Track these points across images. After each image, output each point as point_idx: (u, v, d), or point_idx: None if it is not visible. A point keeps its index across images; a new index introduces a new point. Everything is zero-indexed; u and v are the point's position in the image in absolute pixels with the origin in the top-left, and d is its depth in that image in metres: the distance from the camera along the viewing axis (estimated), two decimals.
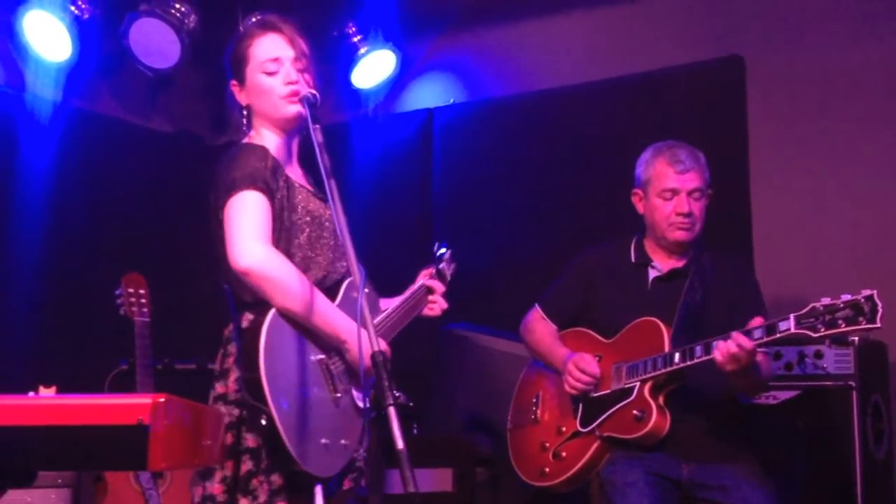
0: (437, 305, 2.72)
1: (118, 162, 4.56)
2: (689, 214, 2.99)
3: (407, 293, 2.68)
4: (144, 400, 1.61)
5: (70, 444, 1.61)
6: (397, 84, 4.83)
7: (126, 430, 1.59)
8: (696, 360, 2.76)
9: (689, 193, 3.00)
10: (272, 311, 2.23)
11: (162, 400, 1.62)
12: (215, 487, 2.22)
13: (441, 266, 2.86)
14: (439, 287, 2.75)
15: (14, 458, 1.62)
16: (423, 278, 2.75)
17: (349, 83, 4.72)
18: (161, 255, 4.45)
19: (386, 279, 2.63)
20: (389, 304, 2.62)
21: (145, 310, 3.57)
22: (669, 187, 3.00)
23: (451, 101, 4.72)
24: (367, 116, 4.86)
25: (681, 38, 4.23)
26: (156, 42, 4.36)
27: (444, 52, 4.82)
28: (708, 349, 2.72)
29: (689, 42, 4.20)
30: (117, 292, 3.58)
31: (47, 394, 1.68)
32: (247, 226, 2.23)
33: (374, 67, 4.70)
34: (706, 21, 4.23)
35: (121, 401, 1.62)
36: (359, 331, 1.96)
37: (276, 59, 2.42)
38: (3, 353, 4.05)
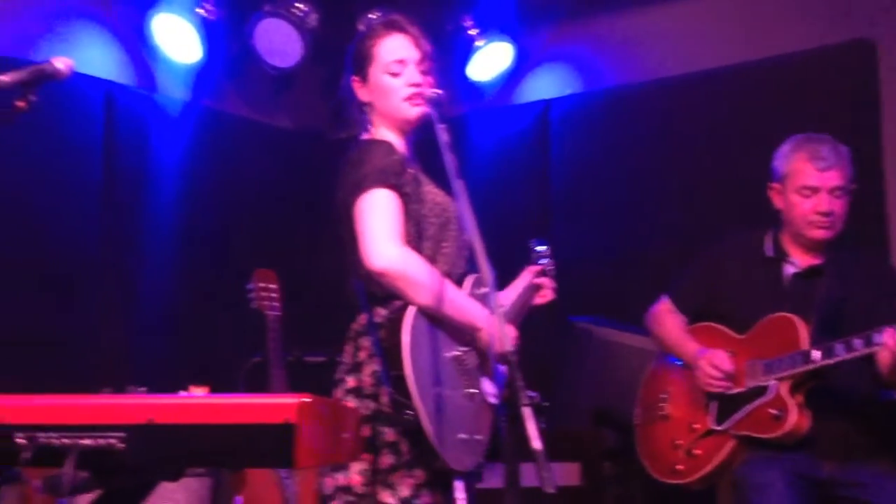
0: (544, 297, 2.72)
1: (245, 159, 4.70)
2: (829, 213, 2.89)
3: (519, 290, 2.69)
4: (291, 400, 1.67)
5: (219, 442, 1.68)
6: (513, 76, 4.83)
7: (274, 428, 1.65)
8: (842, 358, 2.68)
9: (830, 191, 2.89)
10: (411, 309, 2.26)
11: (308, 400, 1.68)
12: (353, 479, 2.27)
13: (543, 262, 2.86)
14: (547, 283, 2.76)
15: (166, 455, 1.70)
16: (529, 275, 2.75)
17: (465, 76, 4.75)
18: (288, 250, 4.56)
19: (502, 271, 2.65)
20: (504, 299, 2.64)
21: (276, 304, 3.67)
22: (809, 185, 2.90)
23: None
24: (483, 109, 4.87)
25: (805, 22, 4.10)
26: (279, 41, 4.49)
27: (561, 42, 4.79)
28: (869, 341, 2.64)
29: (815, 26, 4.07)
30: (249, 287, 3.69)
31: (198, 393, 1.75)
32: (379, 226, 2.26)
33: (490, 60, 4.71)
34: (834, 3, 4.08)
35: (268, 400, 1.68)
36: (491, 322, 1.98)
37: (401, 61, 2.46)
38: (139, 349, 4.22)
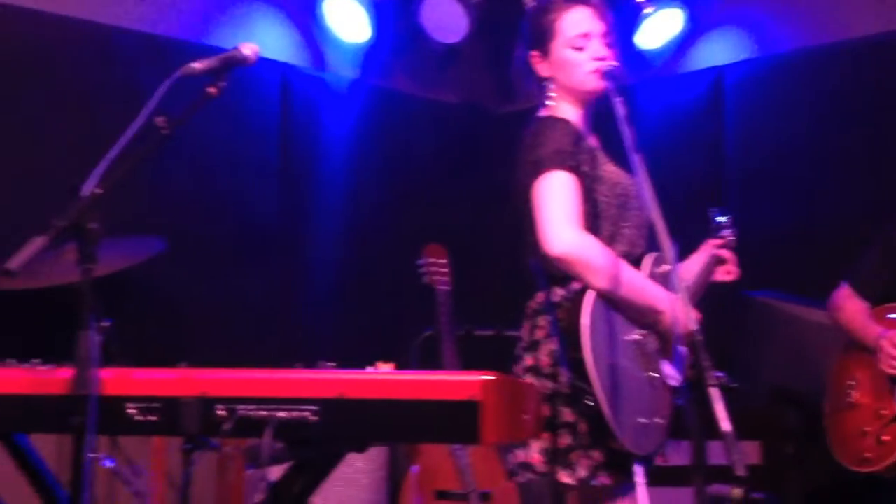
0: (731, 272, 2.65)
1: (413, 135, 4.77)
2: None
3: (699, 265, 2.62)
4: (476, 377, 1.69)
5: (406, 417, 1.73)
6: (684, 43, 4.69)
7: (459, 405, 1.68)
8: None
9: None
10: (590, 292, 2.24)
11: (492, 378, 1.70)
12: (534, 457, 2.29)
13: (725, 234, 2.77)
14: (730, 256, 2.67)
15: (355, 428, 1.75)
16: (710, 249, 2.67)
17: (632, 45, 4.65)
18: (456, 224, 4.61)
19: (677, 246, 2.59)
20: (684, 275, 2.57)
21: (446, 279, 3.72)
22: None
23: None
24: (651, 78, 4.76)
25: None
26: (445, 17, 4.52)
27: (734, 5, 4.61)
28: None
29: None
30: (419, 262, 3.75)
31: (385, 369, 1.79)
32: (557, 210, 2.25)
33: (660, 27, 4.60)
34: None
35: (454, 377, 1.71)
36: (674, 303, 1.94)
37: (585, 35, 2.42)
38: (312, 323, 4.38)
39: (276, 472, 1.99)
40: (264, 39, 4.38)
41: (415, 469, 3.54)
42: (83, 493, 1.80)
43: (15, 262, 1.71)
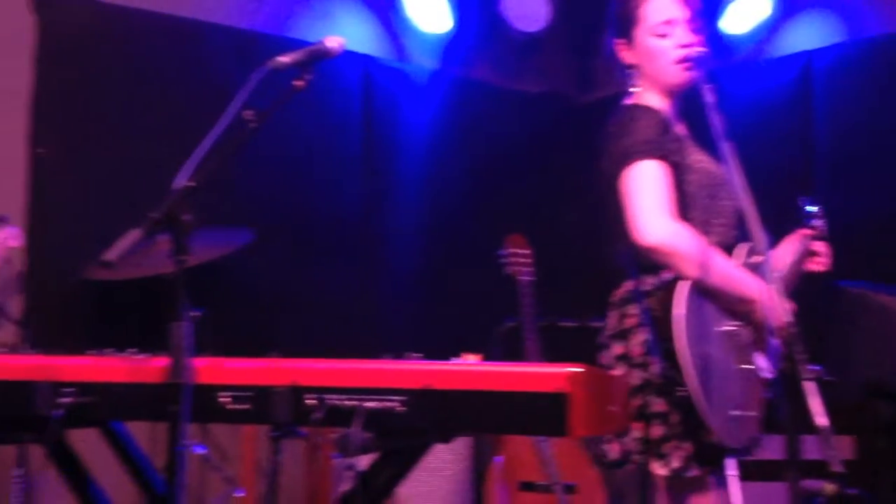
0: (822, 263, 2.59)
1: (493, 125, 4.76)
2: None
3: (790, 256, 2.56)
4: (565, 369, 1.68)
5: (493, 409, 1.73)
6: (771, 27, 4.58)
7: (547, 397, 1.68)
8: None
9: None
10: (683, 281, 2.21)
11: (581, 370, 1.69)
12: (629, 446, 2.27)
13: (815, 223, 2.70)
14: (821, 247, 2.61)
15: (442, 419, 1.76)
16: (801, 239, 2.60)
17: (716, 30, 4.56)
18: (538, 214, 4.59)
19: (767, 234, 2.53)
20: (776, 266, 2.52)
21: (528, 269, 3.71)
22: None
23: None
24: (738, 64, 4.66)
25: None
26: (526, 6, 4.51)
27: None
28: None
29: None
30: (501, 253, 3.74)
31: (472, 360, 1.80)
32: (648, 199, 2.22)
33: (746, 11, 4.50)
34: None
35: (542, 369, 1.71)
36: (767, 294, 1.90)
37: (669, 22, 2.39)
38: (395, 314, 4.40)
39: (364, 461, 2.01)
40: (346, 32, 4.42)
41: (498, 460, 3.54)
42: (178, 480, 1.85)
43: (112, 254, 1.75)
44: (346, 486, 3.19)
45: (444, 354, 1.88)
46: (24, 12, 3.75)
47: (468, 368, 1.75)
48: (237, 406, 1.84)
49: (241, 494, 3.91)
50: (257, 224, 3.66)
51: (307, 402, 1.79)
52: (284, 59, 2.00)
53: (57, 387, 1.91)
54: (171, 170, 1.93)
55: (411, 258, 4.54)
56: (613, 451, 2.31)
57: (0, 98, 3.74)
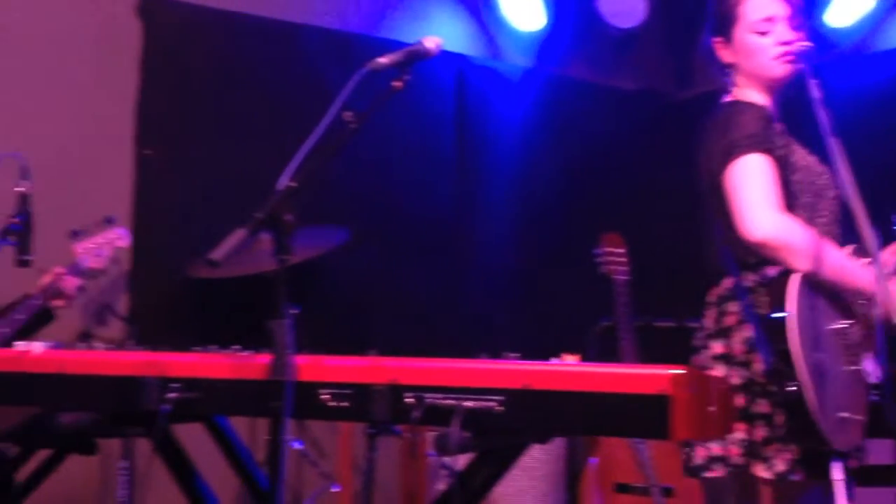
0: None
1: (588, 122, 4.72)
2: None
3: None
4: (666, 371, 1.66)
5: (593, 410, 1.71)
6: (877, 20, 4.43)
7: (649, 399, 1.65)
8: None
9: None
10: (795, 277, 2.15)
11: (682, 372, 1.66)
12: (731, 449, 2.22)
13: None
14: None
15: (540, 419, 1.75)
16: None
17: (818, 23, 4.44)
18: (635, 213, 4.54)
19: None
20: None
21: (624, 268, 3.66)
22: None
23: None
24: (842, 58, 4.52)
25: None
26: (623, 2, 4.46)
27: None
28: None
29: None
30: (596, 251, 3.71)
31: (570, 361, 1.78)
32: (755, 194, 2.17)
33: (851, 3, 4.37)
34: None
35: (643, 371, 1.68)
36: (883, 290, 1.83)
37: (769, 19, 2.34)
38: (488, 313, 4.40)
39: (460, 461, 2.01)
40: (440, 31, 4.43)
41: (594, 461, 3.51)
42: (279, 474, 1.89)
43: (218, 253, 1.79)
44: (441, 484, 3.21)
45: (538, 354, 1.87)
46: (131, 17, 3.88)
47: (568, 369, 1.74)
48: (337, 403, 1.86)
49: (338, 490, 3.97)
50: (352, 223, 3.71)
51: (406, 400, 1.80)
52: (383, 60, 2.02)
53: (164, 382, 1.96)
54: (270, 170, 1.97)
55: (504, 257, 4.54)
56: (699, 455, 2.27)
57: (107, 101, 3.88)
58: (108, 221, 3.49)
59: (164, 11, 3.89)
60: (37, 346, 2.11)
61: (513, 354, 1.86)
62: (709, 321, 2.35)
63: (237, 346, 2.09)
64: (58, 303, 3.19)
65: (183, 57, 3.93)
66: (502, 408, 1.74)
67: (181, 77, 3.93)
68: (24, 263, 2.35)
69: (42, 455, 2.70)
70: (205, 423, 2.40)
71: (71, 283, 3.20)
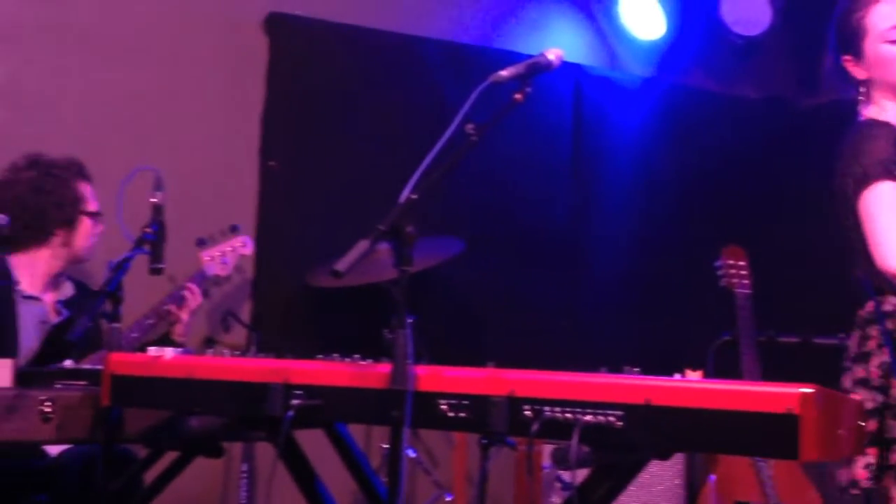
0: None
1: (708, 131, 4.63)
2: None
3: None
4: (795, 390, 1.61)
5: (716, 428, 1.67)
6: None
7: (776, 418, 1.61)
8: None
9: None
10: None
11: (811, 391, 1.61)
12: (857, 472, 2.16)
13: None
14: None
15: (661, 436, 1.72)
16: None
17: None
18: (757, 225, 4.42)
19: None
20: None
21: (746, 282, 3.58)
22: None
23: None
24: None
25: None
26: (747, 9, 4.37)
27: None
28: None
29: None
30: (717, 264, 3.63)
31: (693, 377, 1.75)
32: (889, 224, 2.10)
33: None
34: None
35: (770, 389, 1.64)
36: None
37: None
38: (600, 326, 4.36)
39: (574, 474, 2.00)
40: (558, 40, 4.43)
41: (713, 478, 3.43)
42: (399, 482, 1.91)
43: (342, 264, 1.83)
44: (556, 497, 3.19)
45: (656, 368, 1.84)
46: (258, 32, 4.00)
47: (691, 385, 1.71)
48: (456, 414, 1.87)
49: (450, 499, 3.99)
50: (468, 234, 3.73)
51: (524, 413, 1.80)
52: (504, 73, 2.03)
53: (288, 389, 2.01)
54: (389, 181, 2.00)
55: (621, 269, 4.48)
56: (843, 476, 2.20)
57: (235, 114, 4.01)
58: (233, 230, 3.61)
59: (290, 26, 4.00)
60: (168, 352, 2.19)
61: (634, 369, 1.84)
62: (853, 344, 2.29)
63: (357, 355, 2.13)
64: (180, 313, 3.32)
65: (307, 71, 4.03)
66: (622, 423, 1.72)
67: (305, 90, 4.03)
68: (156, 272, 2.45)
69: (169, 457, 2.79)
70: (325, 429, 2.45)
71: (194, 295, 3.33)
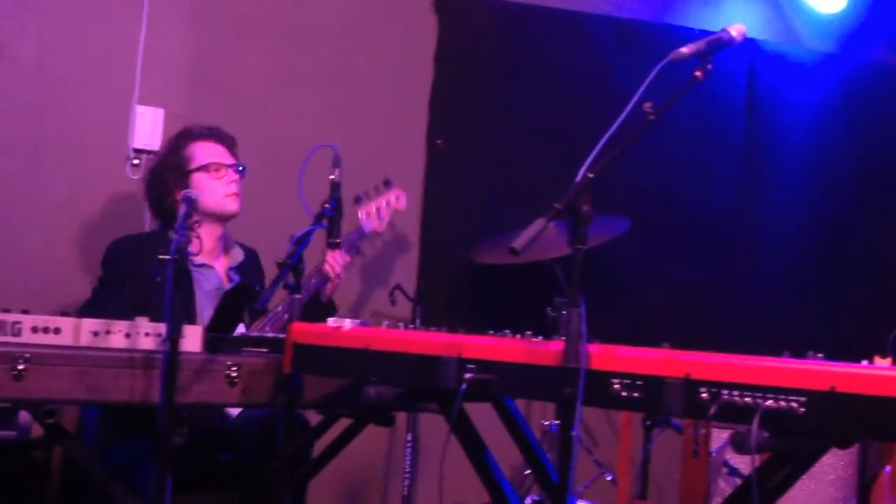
0: None
1: (892, 110, 4.41)
2: None
3: None
4: None
5: None
6: None
7: None
8: None
9: None
10: None
11: None
12: None
13: None
14: None
15: (844, 423, 1.67)
16: None
17: None
18: None
19: None
20: None
21: None
22: None
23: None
24: None
25: None
26: None
27: None
28: None
29: None
30: None
31: (882, 364, 1.69)
32: None
33: None
34: None
35: None
36: None
37: None
38: (766, 310, 4.22)
39: (741, 461, 1.96)
40: (731, 15, 4.30)
41: (888, 470, 3.29)
42: (569, 458, 1.92)
43: (519, 242, 1.85)
44: (723, 483, 3.13)
45: (833, 355, 1.79)
46: (428, 12, 4.07)
47: (881, 373, 1.65)
48: (629, 394, 1.87)
49: (611, 478, 3.98)
50: (633, 213, 3.69)
51: (701, 395, 1.78)
52: (685, 49, 2.00)
53: (461, 363, 2.05)
54: (554, 160, 2.01)
55: (791, 252, 4.33)
56: None
57: (405, 93, 4.09)
58: (386, 184, 3.65)
59: (459, 6, 4.05)
60: (347, 323, 2.27)
61: (818, 355, 1.79)
62: None
63: (529, 332, 2.15)
64: (329, 287, 3.39)
65: (475, 50, 4.07)
66: (805, 409, 1.68)
67: (473, 69, 4.07)
68: (334, 246, 2.53)
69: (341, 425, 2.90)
70: (493, 403, 2.48)
71: (337, 262, 3.36)
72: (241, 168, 3.26)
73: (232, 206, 3.25)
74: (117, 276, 3.05)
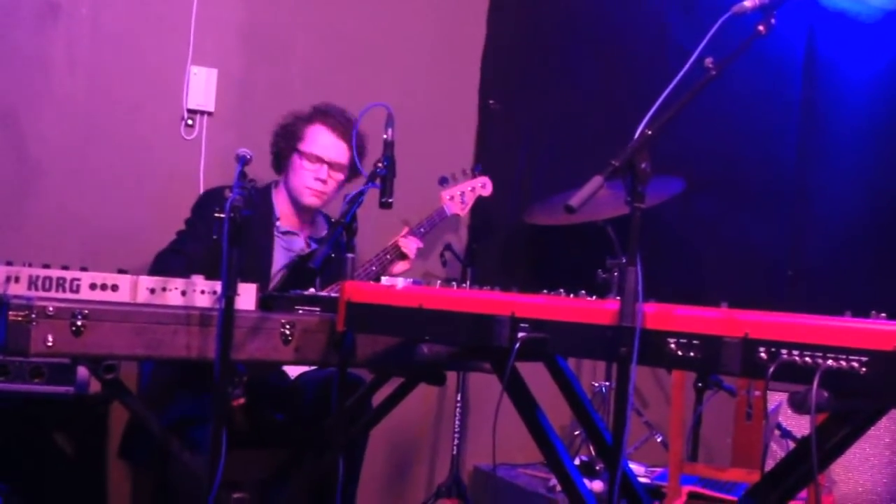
0: None
1: None
2: None
3: None
4: None
5: None
6: None
7: None
8: None
9: None
10: None
11: None
12: None
13: None
14: None
15: None
16: None
17: None
18: None
19: None
20: None
21: None
22: None
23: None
24: None
25: None
26: None
27: None
28: None
29: None
30: None
31: None
32: None
33: None
34: None
35: None
36: None
37: None
38: (822, 272, 4.15)
39: (784, 421, 1.94)
40: None
41: None
42: (624, 418, 1.92)
43: (576, 199, 1.83)
44: (776, 445, 3.10)
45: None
46: None
47: None
48: (686, 353, 1.85)
49: (660, 439, 3.97)
50: (688, 173, 3.64)
51: (759, 355, 1.76)
52: (748, 3, 1.96)
53: (515, 322, 2.04)
54: (607, 120, 1.99)
55: (852, 212, 4.25)
56: None
57: (457, 54, 4.07)
58: (475, 170, 3.70)
59: None
60: (399, 282, 2.28)
61: (882, 314, 1.76)
62: None
63: (583, 292, 2.14)
64: (401, 265, 3.43)
65: (526, 10, 4.03)
66: (866, 369, 1.65)
67: (524, 30, 4.03)
68: (386, 205, 2.53)
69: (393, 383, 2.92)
70: (546, 362, 2.48)
71: (412, 245, 3.42)
72: (343, 179, 3.31)
73: (308, 199, 3.30)
74: (203, 224, 3.10)
